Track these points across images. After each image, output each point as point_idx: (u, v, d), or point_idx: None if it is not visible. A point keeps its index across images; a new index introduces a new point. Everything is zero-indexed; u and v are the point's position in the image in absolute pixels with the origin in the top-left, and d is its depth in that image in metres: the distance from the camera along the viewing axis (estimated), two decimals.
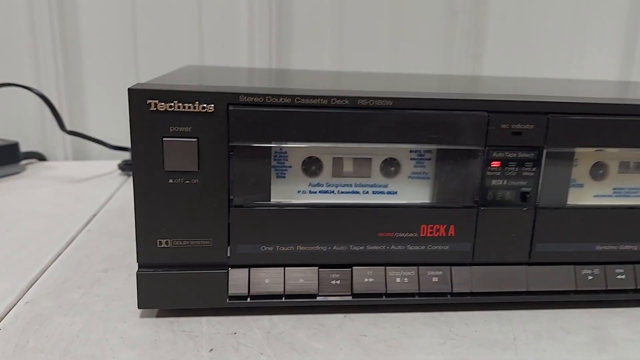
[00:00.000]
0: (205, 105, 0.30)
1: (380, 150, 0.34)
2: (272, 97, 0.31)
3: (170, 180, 0.31)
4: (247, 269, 0.34)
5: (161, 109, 0.30)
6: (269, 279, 0.34)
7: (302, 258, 0.34)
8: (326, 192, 0.35)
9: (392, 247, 0.34)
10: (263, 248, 0.33)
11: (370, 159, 0.35)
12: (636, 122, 0.34)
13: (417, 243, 0.34)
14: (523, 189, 0.34)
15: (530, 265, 0.35)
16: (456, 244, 0.34)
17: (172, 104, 0.30)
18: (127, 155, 0.73)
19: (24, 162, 0.71)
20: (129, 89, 0.30)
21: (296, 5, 0.77)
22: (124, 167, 0.69)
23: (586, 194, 0.36)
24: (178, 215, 0.32)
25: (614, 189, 0.36)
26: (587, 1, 0.81)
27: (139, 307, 0.33)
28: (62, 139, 0.78)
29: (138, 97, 0.30)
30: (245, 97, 0.31)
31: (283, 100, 0.31)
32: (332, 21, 0.78)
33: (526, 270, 0.35)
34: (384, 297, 0.35)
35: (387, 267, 0.34)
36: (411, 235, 0.34)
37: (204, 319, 0.33)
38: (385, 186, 0.35)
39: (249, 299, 0.34)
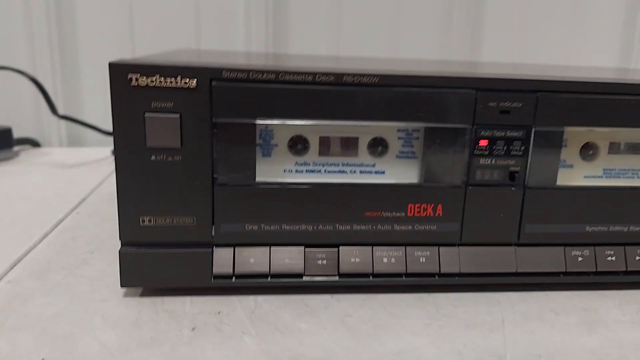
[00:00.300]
0: (187, 80, 0.30)
1: (367, 129, 0.34)
2: (256, 73, 0.31)
3: (153, 157, 0.31)
4: (231, 248, 0.33)
5: (142, 84, 0.30)
6: (254, 259, 0.33)
7: (288, 237, 0.33)
8: (313, 171, 0.34)
9: (379, 226, 0.34)
10: (248, 227, 0.33)
11: (358, 138, 0.34)
12: (626, 101, 0.33)
13: (405, 223, 0.34)
14: (512, 169, 0.34)
15: (520, 246, 0.35)
16: (444, 224, 0.34)
17: (154, 79, 0.30)
18: None
19: (17, 148, 0.71)
20: (110, 63, 0.29)
21: None
22: None
23: (576, 175, 0.36)
24: (161, 193, 0.31)
25: (604, 169, 0.36)
26: None
27: (121, 286, 0.33)
28: (56, 125, 0.77)
29: (119, 72, 0.29)
30: (228, 73, 0.30)
31: (267, 76, 0.31)
32: (329, 6, 0.77)
33: (515, 251, 0.35)
34: (371, 277, 0.34)
35: (374, 247, 0.34)
36: (398, 215, 0.34)
37: (189, 298, 0.33)
38: (373, 165, 0.35)
39: (234, 278, 0.33)
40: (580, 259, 0.35)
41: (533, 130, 0.33)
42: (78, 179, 0.59)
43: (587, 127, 0.34)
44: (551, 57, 0.82)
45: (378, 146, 0.34)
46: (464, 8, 0.78)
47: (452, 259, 0.34)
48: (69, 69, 0.76)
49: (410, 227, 0.34)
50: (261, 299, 0.33)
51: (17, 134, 0.71)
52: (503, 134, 0.33)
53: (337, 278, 0.34)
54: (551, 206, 0.34)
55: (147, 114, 0.30)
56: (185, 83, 0.30)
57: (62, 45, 0.75)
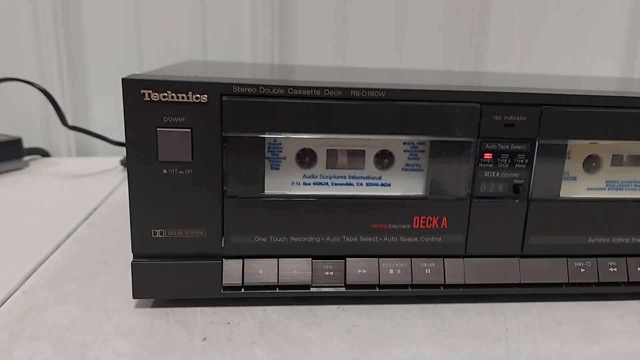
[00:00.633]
0: (198, 95, 0.31)
1: (374, 142, 0.35)
2: (265, 88, 0.31)
3: (164, 171, 0.32)
4: (241, 260, 0.34)
5: (155, 99, 0.30)
6: (262, 270, 0.34)
7: (295, 249, 0.34)
8: (320, 183, 0.35)
9: (386, 238, 0.34)
10: (257, 239, 0.34)
11: (364, 151, 0.35)
12: (629, 114, 0.34)
13: (410, 235, 0.34)
14: (515, 181, 0.34)
15: (523, 257, 0.36)
16: (449, 235, 0.35)
17: (166, 94, 0.30)
18: None
19: (27, 158, 0.72)
20: (123, 79, 0.30)
21: (299, 3, 0.77)
22: (126, 162, 0.69)
23: (579, 187, 0.36)
24: (172, 206, 0.32)
25: (606, 182, 0.36)
26: None
27: (133, 297, 0.33)
28: (65, 135, 0.78)
29: (132, 87, 0.30)
30: (238, 88, 0.31)
31: (276, 91, 0.31)
32: (335, 17, 0.78)
33: (519, 263, 0.35)
34: (377, 288, 0.35)
35: (380, 259, 0.35)
36: (404, 227, 0.34)
37: (199, 309, 0.34)
38: (379, 178, 0.35)
39: (243, 289, 0.34)
40: (582, 270, 0.36)
41: (537, 143, 0.34)
42: (88, 190, 0.60)
43: (591, 140, 0.35)
44: (555, 65, 0.83)
45: (384, 159, 0.35)
46: (468, 17, 0.79)
47: (457, 270, 0.35)
48: (77, 79, 0.78)
49: (415, 239, 0.34)
50: (270, 310, 0.34)
51: (26, 144, 0.72)
52: (507, 147, 0.34)
53: (344, 289, 0.35)
54: (554, 218, 0.35)
55: (159, 129, 0.31)
56: (197, 98, 0.31)
57: (71, 56, 0.76)
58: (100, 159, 0.75)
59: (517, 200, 0.34)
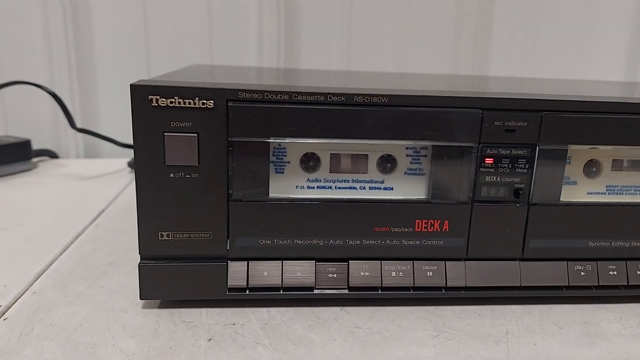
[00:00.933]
0: (205, 101, 0.31)
1: (376, 146, 0.35)
2: (270, 94, 0.32)
3: (171, 175, 0.32)
4: (246, 262, 0.35)
5: (162, 105, 0.31)
6: (267, 272, 0.35)
7: (299, 252, 0.35)
8: (324, 187, 0.36)
9: (388, 241, 0.35)
10: (262, 241, 0.34)
11: (367, 155, 0.35)
12: (629, 119, 0.34)
13: (412, 238, 0.35)
14: (516, 186, 0.35)
15: (524, 260, 0.36)
16: (450, 239, 0.35)
17: (173, 100, 0.31)
18: None
19: (35, 159, 0.73)
20: (131, 85, 0.31)
21: (304, 7, 0.78)
22: (133, 164, 0.70)
23: (579, 191, 0.37)
24: (179, 209, 0.33)
25: (607, 186, 0.37)
26: (593, 3, 0.81)
27: (140, 298, 0.34)
28: (74, 137, 0.79)
29: (140, 93, 0.31)
30: (244, 94, 0.32)
31: (281, 96, 0.32)
32: (340, 21, 0.79)
33: (519, 266, 0.36)
34: (379, 290, 0.35)
35: (382, 261, 0.35)
36: (406, 230, 0.35)
37: (204, 310, 0.34)
38: (382, 182, 0.36)
39: (247, 291, 0.35)
40: (582, 273, 0.36)
41: (537, 148, 0.34)
42: (96, 191, 0.60)
43: (591, 146, 0.35)
44: (559, 69, 0.83)
45: (387, 163, 0.36)
46: (473, 21, 0.80)
47: (458, 273, 0.36)
48: (86, 83, 0.79)
49: (417, 242, 0.35)
50: (274, 311, 0.35)
51: (35, 145, 0.74)
52: (508, 152, 0.34)
53: (346, 291, 0.35)
54: (555, 222, 0.35)
55: (166, 133, 0.32)
56: (203, 104, 0.32)
57: (80, 60, 0.77)
58: (107, 160, 0.76)
59: (517, 205, 0.35)
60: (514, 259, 0.36)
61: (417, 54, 0.81)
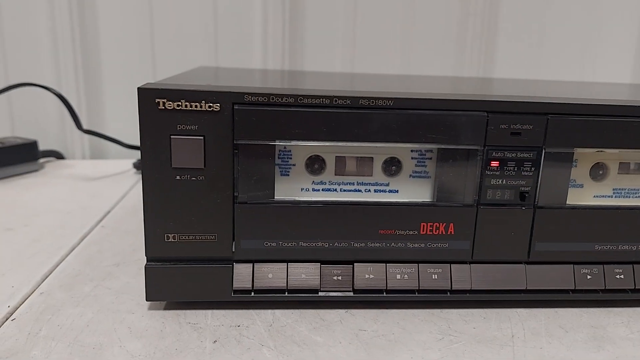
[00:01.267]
0: (211, 104, 0.32)
1: (382, 149, 0.35)
2: (275, 97, 0.32)
3: (177, 177, 0.32)
4: (251, 264, 0.35)
5: (169, 108, 0.31)
6: (272, 274, 0.35)
7: (304, 254, 0.35)
8: (329, 190, 0.36)
9: (393, 244, 0.35)
10: (267, 244, 0.34)
11: (372, 158, 0.35)
12: (635, 123, 0.34)
13: (418, 241, 0.35)
14: (522, 189, 0.35)
15: (529, 264, 0.36)
16: (456, 242, 0.35)
17: (180, 103, 0.31)
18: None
19: (42, 160, 0.73)
20: (138, 88, 0.31)
21: (309, 8, 0.78)
22: (138, 166, 0.70)
23: (586, 194, 0.37)
24: (185, 211, 0.33)
25: (613, 189, 0.37)
26: (600, 3, 0.81)
27: (146, 300, 0.34)
28: (80, 138, 0.80)
29: (147, 96, 0.31)
30: (249, 97, 0.32)
31: (286, 99, 0.32)
32: (344, 23, 0.79)
33: (525, 269, 0.36)
34: (384, 293, 0.35)
35: (387, 264, 0.35)
36: (411, 233, 0.35)
37: (209, 312, 0.35)
38: (387, 185, 0.36)
39: (252, 293, 0.35)
40: (589, 277, 0.36)
41: (543, 151, 0.34)
42: (101, 192, 0.61)
43: (597, 149, 0.35)
44: (565, 71, 0.83)
45: (392, 166, 0.36)
46: (478, 22, 0.79)
47: (464, 276, 0.35)
48: (92, 85, 0.79)
49: (422, 245, 0.35)
50: (279, 313, 0.35)
51: (42, 146, 0.74)
52: (514, 155, 0.34)
53: (351, 293, 0.35)
54: (561, 225, 0.35)
55: (172, 136, 0.32)
56: (209, 107, 0.32)
57: (86, 62, 0.78)
58: (113, 161, 0.76)
59: (523, 208, 0.35)
60: (520, 262, 0.36)
61: (422, 55, 0.81)
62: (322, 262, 0.35)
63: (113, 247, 0.45)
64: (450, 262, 0.36)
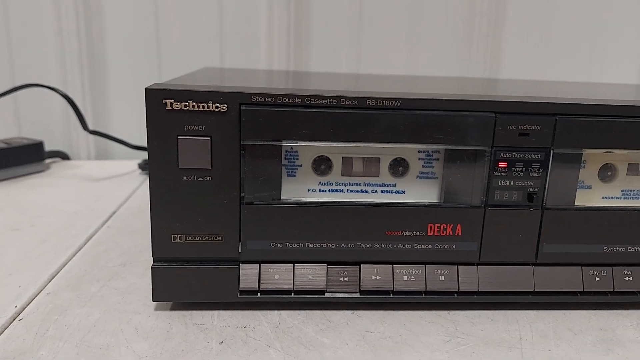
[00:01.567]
0: (218, 104, 0.32)
1: (388, 150, 0.35)
2: (282, 97, 0.32)
3: (184, 178, 0.32)
4: (257, 265, 0.35)
5: (176, 108, 0.31)
6: (278, 275, 0.35)
7: (311, 255, 0.35)
8: (335, 190, 0.36)
9: (400, 245, 0.35)
10: (273, 244, 0.34)
11: (379, 158, 0.35)
12: None
13: (425, 242, 0.35)
14: (530, 190, 0.34)
15: (537, 265, 0.36)
16: (463, 243, 0.35)
17: (187, 104, 0.31)
18: (147, 155, 0.74)
19: (48, 160, 0.73)
20: (146, 89, 0.31)
21: (314, 9, 0.78)
22: (144, 166, 0.70)
23: (594, 196, 0.36)
24: (191, 212, 0.33)
25: (622, 190, 0.37)
26: (606, 4, 0.80)
27: (153, 300, 0.34)
28: (85, 138, 0.80)
29: (154, 97, 0.31)
30: (256, 97, 0.32)
31: (293, 100, 0.32)
32: (350, 24, 0.79)
33: (533, 271, 0.36)
34: (391, 294, 0.35)
35: (394, 265, 0.35)
36: (419, 234, 0.35)
37: (216, 312, 0.35)
38: (394, 185, 0.36)
39: (259, 294, 0.35)
40: (597, 279, 0.36)
41: (551, 152, 0.34)
42: (107, 192, 0.61)
43: (605, 150, 0.35)
44: (572, 72, 0.82)
45: (399, 167, 0.35)
46: (484, 22, 0.79)
47: (471, 278, 0.35)
48: (98, 85, 0.79)
49: (430, 246, 0.35)
50: (285, 314, 0.35)
51: (48, 147, 0.74)
52: (522, 156, 0.34)
53: (358, 295, 0.35)
54: (569, 226, 0.35)
55: (179, 137, 0.32)
56: (216, 107, 0.32)
57: (92, 63, 0.78)
58: (118, 162, 0.76)
59: (531, 209, 0.35)
60: (528, 264, 0.36)
61: (428, 55, 0.81)
62: (329, 263, 0.35)
63: (119, 248, 0.45)
64: (458, 264, 0.35)
